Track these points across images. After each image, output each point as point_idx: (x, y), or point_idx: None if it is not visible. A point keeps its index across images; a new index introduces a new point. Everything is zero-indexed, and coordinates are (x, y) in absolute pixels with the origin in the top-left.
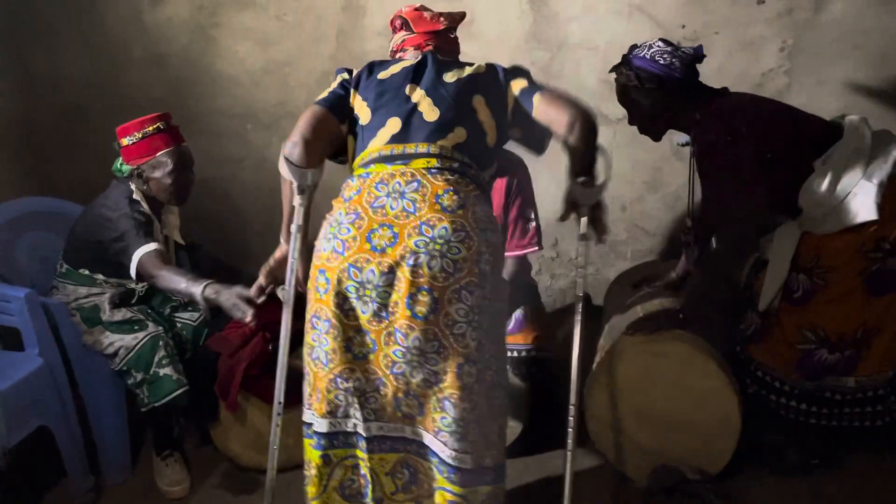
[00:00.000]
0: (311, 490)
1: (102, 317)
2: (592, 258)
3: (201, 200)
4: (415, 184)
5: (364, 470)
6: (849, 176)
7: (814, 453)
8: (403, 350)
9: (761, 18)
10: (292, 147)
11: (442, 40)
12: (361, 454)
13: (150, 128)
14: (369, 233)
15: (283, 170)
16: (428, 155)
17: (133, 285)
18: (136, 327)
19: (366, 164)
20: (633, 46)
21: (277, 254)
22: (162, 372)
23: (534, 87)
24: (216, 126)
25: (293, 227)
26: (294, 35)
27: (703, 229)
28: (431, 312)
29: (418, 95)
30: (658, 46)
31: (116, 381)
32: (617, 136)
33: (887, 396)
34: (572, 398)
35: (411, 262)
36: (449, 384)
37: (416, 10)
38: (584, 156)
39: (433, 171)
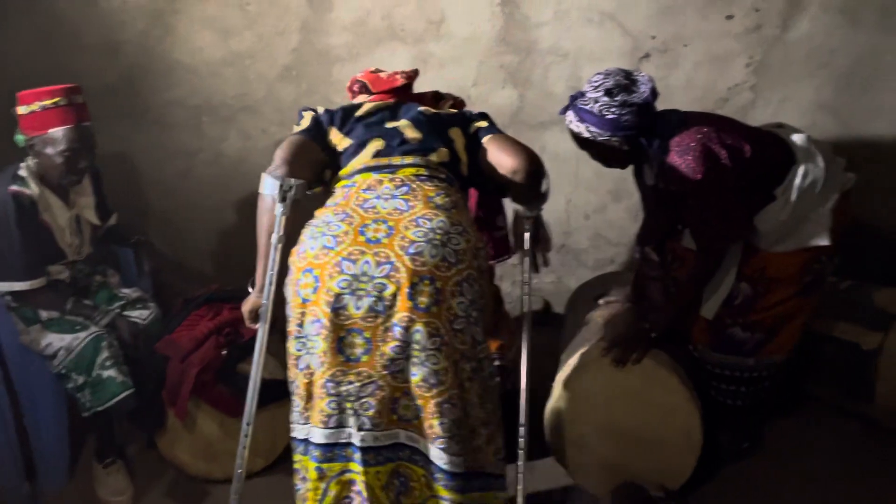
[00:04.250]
0: None
1: (42, 315)
2: (554, 266)
3: (151, 194)
4: (404, 188)
5: (360, 486)
6: (805, 203)
7: (744, 436)
8: (402, 345)
9: (730, 33)
10: (275, 169)
11: (402, 96)
12: (356, 467)
13: (48, 101)
14: (362, 227)
15: (264, 184)
16: (415, 165)
17: (59, 275)
18: (77, 327)
19: (350, 176)
20: (578, 94)
21: (248, 305)
22: (105, 374)
23: (490, 129)
24: (170, 117)
25: (273, 238)
26: (256, 26)
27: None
28: (434, 304)
29: (398, 123)
30: (604, 101)
31: (56, 383)
32: None
33: (761, 380)
34: (522, 418)
35: (412, 250)
36: (448, 385)
37: (372, 72)
38: (526, 196)
39: (422, 177)
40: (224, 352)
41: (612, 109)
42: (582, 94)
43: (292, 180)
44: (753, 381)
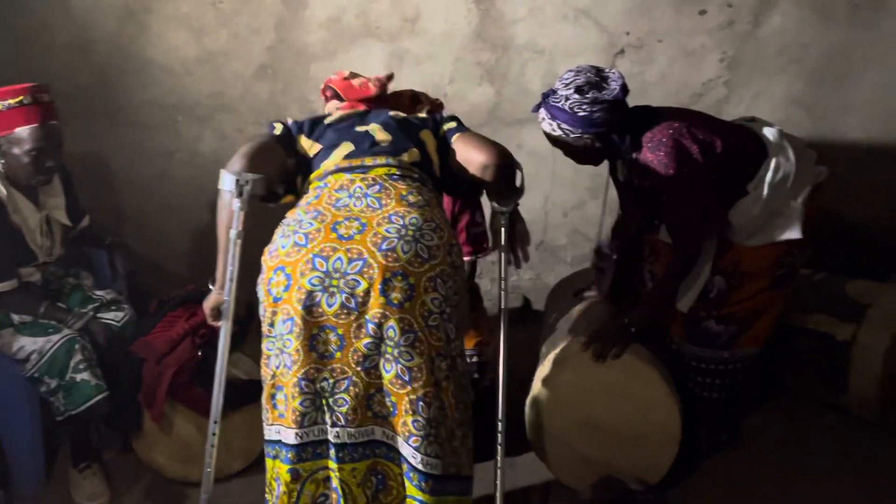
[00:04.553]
0: None
1: (14, 318)
2: (533, 263)
3: (126, 195)
4: (377, 187)
5: (335, 482)
6: (777, 197)
7: (722, 429)
8: (376, 341)
9: (703, 29)
10: (233, 163)
11: (375, 104)
12: (332, 464)
13: (13, 100)
14: (334, 224)
15: (222, 180)
16: (387, 165)
17: (30, 278)
18: (49, 329)
19: (322, 177)
20: (550, 92)
21: (210, 303)
22: (79, 377)
23: (458, 128)
24: (145, 117)
25: (232, 233)
26: (231, 24)
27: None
28: (407, 300)
29: (368, 126)
30: (575, 98)
31: (29, 387)
32: None
33: (736, 372)
34: (500, 413)
35: (384, 246)
36: (423, 382)
37: (345, 79)
38: (499, 191)
39: (395, 176)
40: (200, 353)
41: (584, 106)
42: (553, 92)
43: (249, 175)
44: (729, 374)
